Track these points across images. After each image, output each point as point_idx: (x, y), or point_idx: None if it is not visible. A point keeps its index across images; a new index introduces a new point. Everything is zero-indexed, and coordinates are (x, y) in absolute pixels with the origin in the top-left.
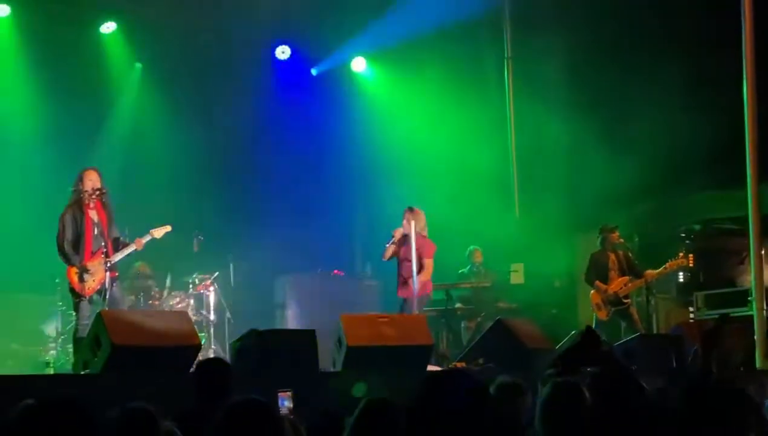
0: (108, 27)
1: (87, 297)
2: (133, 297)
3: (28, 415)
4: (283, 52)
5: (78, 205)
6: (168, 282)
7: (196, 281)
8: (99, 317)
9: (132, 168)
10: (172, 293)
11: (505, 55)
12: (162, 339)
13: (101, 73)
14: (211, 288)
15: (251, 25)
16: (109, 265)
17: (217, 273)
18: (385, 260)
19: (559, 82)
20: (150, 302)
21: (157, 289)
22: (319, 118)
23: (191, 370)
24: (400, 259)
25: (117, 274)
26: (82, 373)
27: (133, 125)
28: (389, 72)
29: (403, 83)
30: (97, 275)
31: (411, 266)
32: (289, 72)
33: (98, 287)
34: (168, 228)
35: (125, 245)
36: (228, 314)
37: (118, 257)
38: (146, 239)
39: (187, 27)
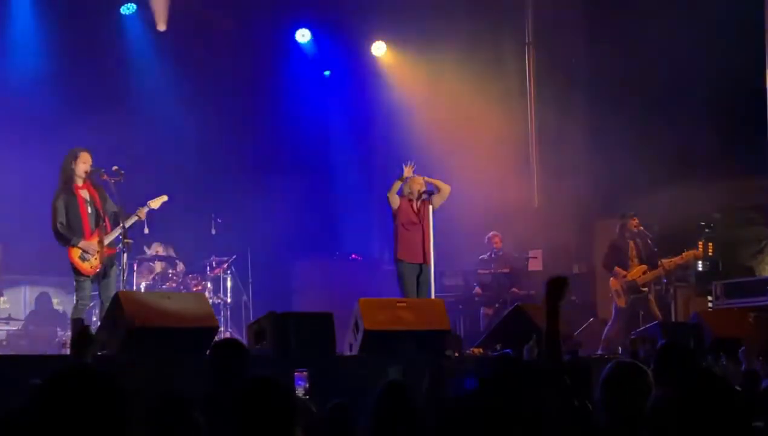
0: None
1: (89, 277)
2: (150, 279)
3: (41, 394)
4: (303, 36)
5: (68, 187)
6: (176, 256)
7: (213, 264)
8: (116, 297)
9: (150, 148)
10: (189, 276)
11: (526, 41)
12: (179, 321)
13: (119, 51)
14: (228, 271)
15: (272, 8)
16: (108, 241)
17: (234, 256)
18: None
19: (580, 69)
20: (167, 284)
21: (173, 270)
22: (338, 101)
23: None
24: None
25: (116, 251)
26: (99, 354)
27: (150, 104)
28: (409, 56)
29: (423, 67)
30: (98, 254)
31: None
32: (308, 54)
33: (100, 266)
34: (164, 198)
35: (116, 224)
36: (245, 298)
37: (112, 236)
38: (132, 220)
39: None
